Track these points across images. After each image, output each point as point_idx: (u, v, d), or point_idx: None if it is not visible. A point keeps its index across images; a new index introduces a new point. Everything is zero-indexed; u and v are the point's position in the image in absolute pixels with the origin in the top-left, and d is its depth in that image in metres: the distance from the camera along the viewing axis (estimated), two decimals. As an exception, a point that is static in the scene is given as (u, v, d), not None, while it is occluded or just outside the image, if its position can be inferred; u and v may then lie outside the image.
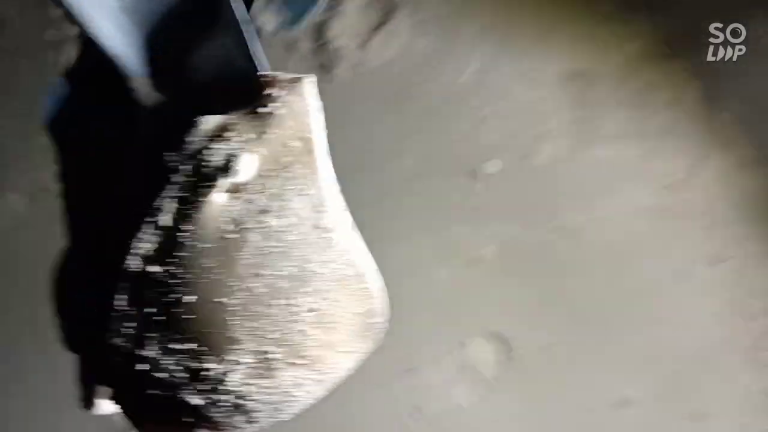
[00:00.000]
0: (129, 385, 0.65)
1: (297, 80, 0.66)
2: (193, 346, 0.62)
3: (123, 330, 0.64)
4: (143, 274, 0.63)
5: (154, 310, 0.62)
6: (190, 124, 0.66)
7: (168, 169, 0.65)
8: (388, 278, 0.67)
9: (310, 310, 0.62)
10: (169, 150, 0.66)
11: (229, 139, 0.64)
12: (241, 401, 0.63)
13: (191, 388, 0.63)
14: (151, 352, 0.63)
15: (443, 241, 0.80)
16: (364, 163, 0.79)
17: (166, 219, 0.63)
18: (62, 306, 0.73)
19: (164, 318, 0.62)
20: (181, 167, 0.64)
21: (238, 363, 0.62)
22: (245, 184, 0.62)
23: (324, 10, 0.77)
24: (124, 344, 0.64)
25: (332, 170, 0.65)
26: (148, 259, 0.63)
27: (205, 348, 0.62)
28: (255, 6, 0.76)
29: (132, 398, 0.67)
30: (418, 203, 0.80)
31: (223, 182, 0.62)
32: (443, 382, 0.79)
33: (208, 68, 0.72)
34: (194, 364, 0.62)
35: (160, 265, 0.62)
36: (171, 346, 0.62)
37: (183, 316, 0.61)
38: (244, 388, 0.63)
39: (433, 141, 0.83)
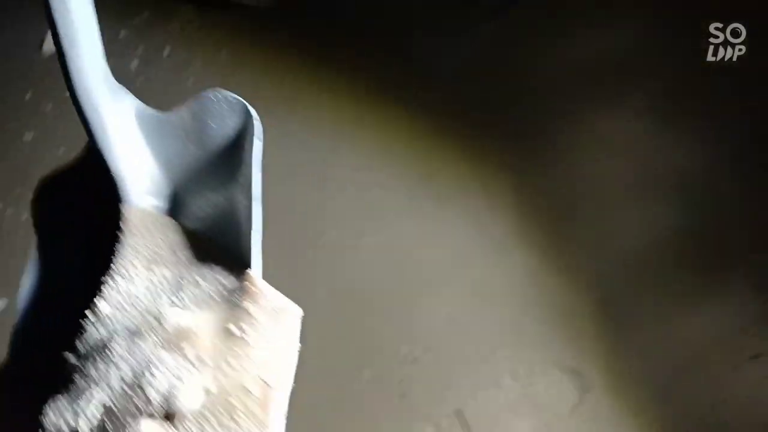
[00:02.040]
0: None
1: (282, 311, 0.59)
2: None
3: None
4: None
5: None
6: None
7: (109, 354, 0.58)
8: None
9: None
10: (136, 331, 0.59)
11: (184, 354, 0.58)
12: None
13: None
14: None
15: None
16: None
17: (83, 426, 0.57)
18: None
19: None
20: (122, 360, 0.58)
21: None
22: (181, 416, 0.56)
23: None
24: None
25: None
26: None
27: None
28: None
29: None
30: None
31: (159, 409, 0.56)
32: None
33: (210, 221, 0.66)
34: None
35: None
36: None
37: None
38: None
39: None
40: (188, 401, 0.55)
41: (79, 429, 0.56)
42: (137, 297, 0.62)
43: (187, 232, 0.66)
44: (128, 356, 0.57)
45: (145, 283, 0.63)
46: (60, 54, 0.60)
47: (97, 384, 0.57)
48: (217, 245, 0.64)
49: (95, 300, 0.62)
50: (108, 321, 0.61)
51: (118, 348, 0.58)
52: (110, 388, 0.57)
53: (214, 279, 0.62)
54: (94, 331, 0.61)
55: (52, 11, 0.58)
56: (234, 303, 0.59)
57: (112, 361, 0.58)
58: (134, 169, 0.66)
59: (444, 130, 1.47)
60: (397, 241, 1.41)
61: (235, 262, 0.62)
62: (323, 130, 1.47)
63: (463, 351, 1.41)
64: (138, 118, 0.67)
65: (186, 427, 0.55)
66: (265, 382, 0.57)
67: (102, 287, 0.62)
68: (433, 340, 1.32)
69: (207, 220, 0.66)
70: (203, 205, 0.67)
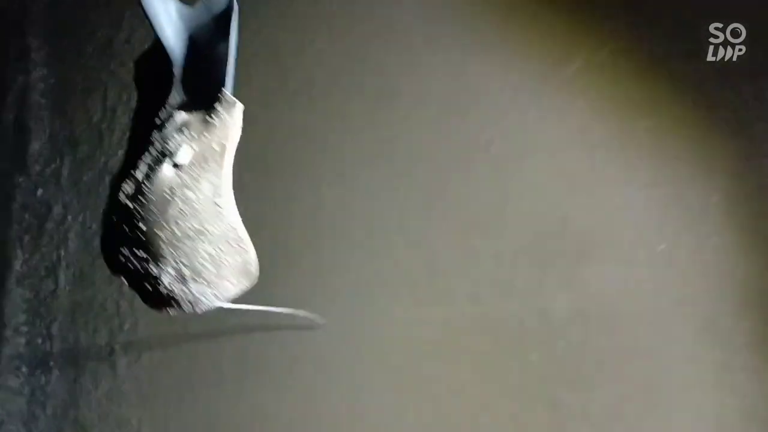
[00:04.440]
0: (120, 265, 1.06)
1: (234, 104, 0.99)
2: (143, 254, 1.00)
3: (116, 234, 1.03)
4: (124, 205, 1.01)
5: (128, 228, 1.01)
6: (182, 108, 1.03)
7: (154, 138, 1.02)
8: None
9: (207, 253, 0.98)
10: (164, 125, 1.01)
11: (184, 133, 0.99)
12: (170, 294, 1.01)
13: (144, 278, 1.02)
14: (126, 251, 1.02)
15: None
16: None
17: (140, 174, 1.00)
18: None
19: (132, 234, 1.00)
20: (159, 140, 1.01)
21: (166, 272, 0.99)
22: (182, 165, 0.98)
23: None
24: (114, 239, 1.04)
25: (231, 170, 0.98)
26: (127, 197, 1.01)
27: (149, 258, 1.00)
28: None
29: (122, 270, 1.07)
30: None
31: (170, 162, 0.98)
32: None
33: (209, 63, 1.05)
34: (144, 266, 1.01)
35: (132, 202, 1.00)
36: (134, 250, 1.01)
37: (139, 236, 1.00)
38: (171, 287, 1.01)
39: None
40: (185, 156, 0.98)
41: (139, 178, 1.01)
42: (170, 111, 1.05)
43: (197, 72, 1.07)
44: (159, 139, 1.02)
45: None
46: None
47: (147, 154, 1.02)
48: (211, 76, 1.03)
49: (155, 118, 1.06)
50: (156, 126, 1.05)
51: (155, 136, 1.03)
52: (151, 155, 1.02)
53: (206, 94, 1.02)
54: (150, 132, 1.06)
55: None
56: (212, 106, 1.00)
57: (152, 143, 1.03)
58: (176, 43, 1.07)
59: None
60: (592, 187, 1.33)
61: (219, 83, 1.01)
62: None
63: (627, 311, 1.27)
64: (177, 11, 1.08)
65: (184, 170, 0.98)
66: (222, 143, 0.99)
67: (159, 112, 1.06)
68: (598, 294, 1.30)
69: (209, 63, 1.05)
70: (207, 54, 1.06)
